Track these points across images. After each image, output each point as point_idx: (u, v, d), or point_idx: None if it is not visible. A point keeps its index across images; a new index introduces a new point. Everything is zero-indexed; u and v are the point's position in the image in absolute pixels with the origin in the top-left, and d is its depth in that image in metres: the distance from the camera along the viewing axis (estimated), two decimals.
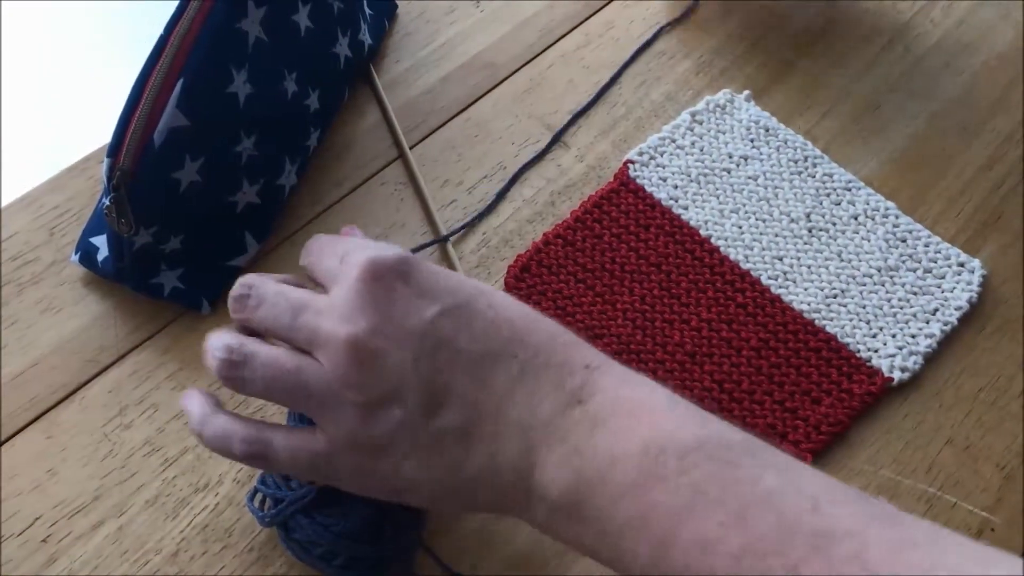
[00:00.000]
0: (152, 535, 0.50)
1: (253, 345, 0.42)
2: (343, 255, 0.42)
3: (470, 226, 0.62)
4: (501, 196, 0.63)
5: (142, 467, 0.52)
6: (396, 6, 0.71)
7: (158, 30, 0.51)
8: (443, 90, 0.68)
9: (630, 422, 0.38)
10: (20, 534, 0.50)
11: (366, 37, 0.66)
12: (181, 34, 0.50)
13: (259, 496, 0.49)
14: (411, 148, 0.65)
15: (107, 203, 0.50)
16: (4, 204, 0.60)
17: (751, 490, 0.35)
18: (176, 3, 0.51)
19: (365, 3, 0.67)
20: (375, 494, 0.43)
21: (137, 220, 0.51)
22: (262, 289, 0.43)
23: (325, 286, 0.43)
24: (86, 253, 0.56)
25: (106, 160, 0.50)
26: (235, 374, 0.42)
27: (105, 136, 0.62)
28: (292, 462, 0.42)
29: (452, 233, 0.61)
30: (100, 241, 0.55)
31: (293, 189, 0.61)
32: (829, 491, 0.36)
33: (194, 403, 0.44)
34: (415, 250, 0.59)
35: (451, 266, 0.60)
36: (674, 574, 0.35)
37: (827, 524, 0.34)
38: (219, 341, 0.42)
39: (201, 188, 0.53)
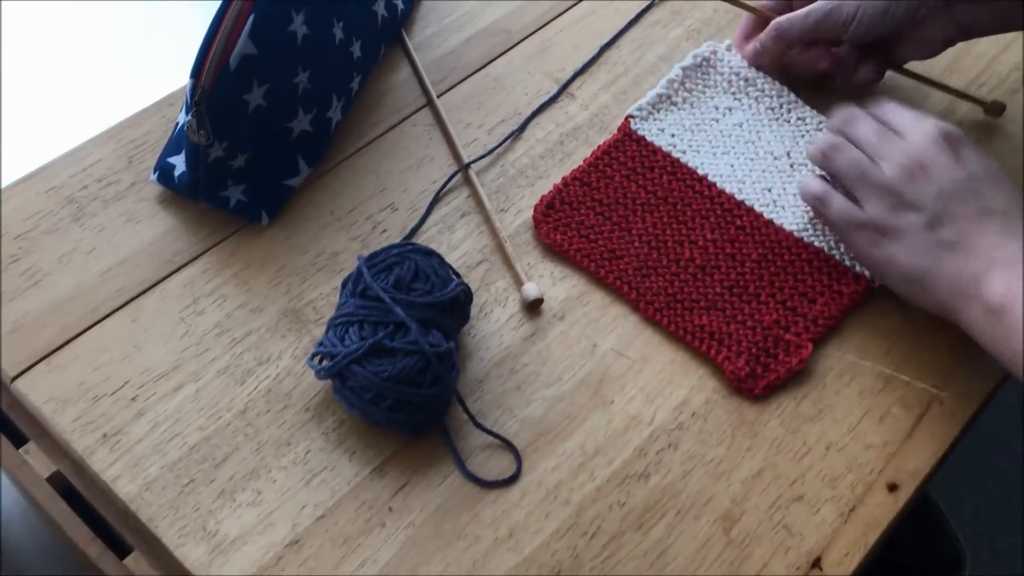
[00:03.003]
0: (224, 396, 0.59)
1: (846, 143, 0.64)
2: (913, 119, 0.64)
3: (491, 159, 0.71)
4: (516, 135, 0.73)
5: (214, 344, 0.61)
6: None
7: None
8: (465, 51, 0.78)
9: None
10: (112, 393, 0.58)
11: (399, 2, 0.76)
12: None
13: (317, 357, 0.57)
14: (438, 97, 0.75)
15: (188, 118, 0.60)
16: (90, 137, 0.70)
17: None
18: None
19: None
20: (869, 262, 0.63)
21: (213, 133, 0.60)
22: (859, 119, 0.65)
23: (899, 132, 0.64)
24: (164, 172, 0.66)
25: (189, 80, 0.59)
26: (831, 152, 0.65)
27: (172, 84, 0.72)
28: (840, 218, 0.64)
29: (473, 160, 0.70)
30: (177, 160, 0.65)
31: (339, 124, 0.70)
32: None
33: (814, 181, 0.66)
34: (443, 185, 0.69)
35: (474, 190, 0.69)
36: None
37: None
38: (829, 133, 0.66)
39: (265, 111, 0.62)
